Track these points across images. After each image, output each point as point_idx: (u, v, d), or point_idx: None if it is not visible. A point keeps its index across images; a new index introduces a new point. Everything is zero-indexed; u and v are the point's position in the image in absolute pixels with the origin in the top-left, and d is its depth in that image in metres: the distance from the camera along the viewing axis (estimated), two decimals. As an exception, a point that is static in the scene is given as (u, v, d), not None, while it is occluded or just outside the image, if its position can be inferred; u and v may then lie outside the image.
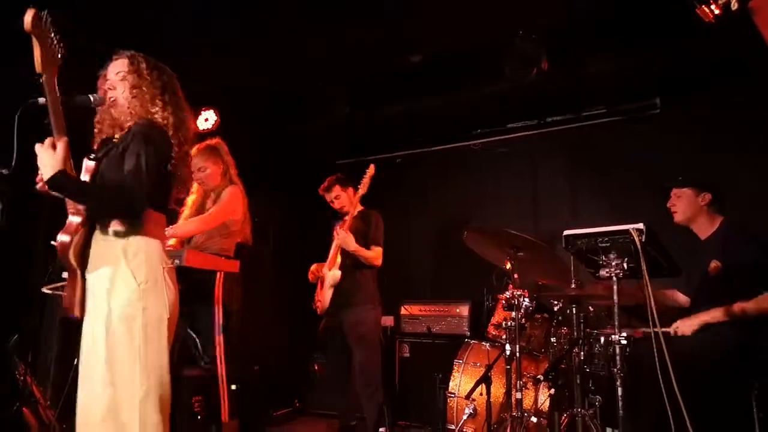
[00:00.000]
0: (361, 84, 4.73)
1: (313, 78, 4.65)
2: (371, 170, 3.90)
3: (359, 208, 3.99)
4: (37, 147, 1.80)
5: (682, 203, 3.03)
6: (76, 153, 1.91)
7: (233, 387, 3.25)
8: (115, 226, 1.90)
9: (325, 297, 3.82)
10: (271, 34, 3.97)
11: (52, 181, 1.79)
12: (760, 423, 2.58)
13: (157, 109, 2.00)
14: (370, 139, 5.52)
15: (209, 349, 3.23)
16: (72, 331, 1.96)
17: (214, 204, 3.42)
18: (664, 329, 2.47)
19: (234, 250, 3.50)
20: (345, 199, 3.97)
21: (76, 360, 1.94)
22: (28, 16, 1.75)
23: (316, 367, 4.98)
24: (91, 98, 2.00)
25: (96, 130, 2.09)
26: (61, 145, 1.81)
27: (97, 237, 1.92)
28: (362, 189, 3.91)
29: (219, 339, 3.25)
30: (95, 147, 2.07)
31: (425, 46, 4.24)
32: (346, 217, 3.89)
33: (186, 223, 3.34)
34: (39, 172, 1.86)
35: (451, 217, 5.11)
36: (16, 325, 3.22)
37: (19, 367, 3.00)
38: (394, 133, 5.37)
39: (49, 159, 1.79)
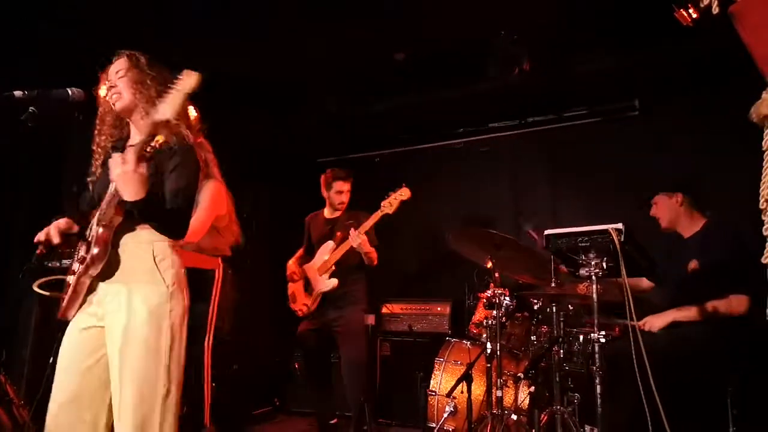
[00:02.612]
0: (345, 83, 4.70)
1: (303, 76, 4.61)
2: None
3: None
4: (116, 162, 1.74)
5: (661, 210, 3.17)
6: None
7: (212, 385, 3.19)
8: (145, 234, 1.91)
9: (312, 302, 3.78)
10: (271, 33, 3.93)
11: (141, 206, 1.78)
12: (733, 419, 2.63)
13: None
14: (352, 138, 5.51)
15: (197, 351, 3.16)
16: (48, 327, 1.92)
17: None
18: (635, 323, 2.52)
19: (228, 249, 3.43)
20: (347, 195, 3.94)
21: (51, 358, 1.91)
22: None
23: (296, 366, 4.95)
24: (69, 92, 1.95)
25: (96, 131, 2.07)
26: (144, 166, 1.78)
27: (127, 244, 1.90)
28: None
29: (208, 343, 3.18)
30: (100, 148, 2.05)
31: (408, 45, 4.23)
32: (332, 215, 3.94)
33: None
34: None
35: (433, 216, 5.13)
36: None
37: (-8, 366, 2.94)
38: (375, 131, 5.37)
39: (137, 180, 1.75)
